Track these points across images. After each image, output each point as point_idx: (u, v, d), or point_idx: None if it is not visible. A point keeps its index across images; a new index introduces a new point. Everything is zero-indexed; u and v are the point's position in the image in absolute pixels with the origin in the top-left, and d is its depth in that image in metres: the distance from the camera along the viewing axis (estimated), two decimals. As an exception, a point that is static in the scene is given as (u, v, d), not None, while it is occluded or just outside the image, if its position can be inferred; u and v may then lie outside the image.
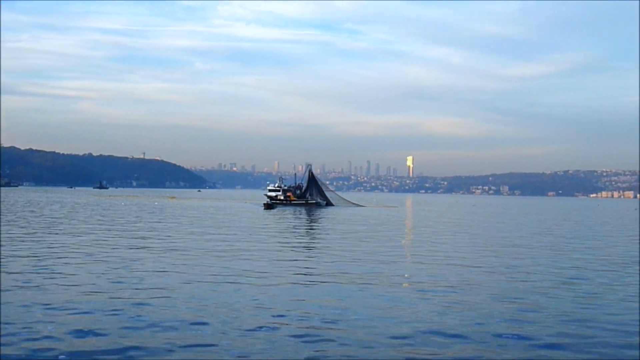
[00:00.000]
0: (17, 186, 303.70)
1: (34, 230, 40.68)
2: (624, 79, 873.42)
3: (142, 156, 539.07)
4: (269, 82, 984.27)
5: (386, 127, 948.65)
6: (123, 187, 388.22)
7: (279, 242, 36.71)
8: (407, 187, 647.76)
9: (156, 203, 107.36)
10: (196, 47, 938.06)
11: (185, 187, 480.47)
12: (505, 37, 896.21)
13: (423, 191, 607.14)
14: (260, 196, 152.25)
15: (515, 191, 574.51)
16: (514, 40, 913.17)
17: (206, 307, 16.10)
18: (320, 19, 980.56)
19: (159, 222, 53.75)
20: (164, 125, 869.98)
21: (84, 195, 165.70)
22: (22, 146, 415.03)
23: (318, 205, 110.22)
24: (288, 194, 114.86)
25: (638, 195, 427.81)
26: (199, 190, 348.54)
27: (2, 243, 31.05)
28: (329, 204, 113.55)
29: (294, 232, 46.65)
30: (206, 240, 36.53)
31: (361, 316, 15.43)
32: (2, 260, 24.47)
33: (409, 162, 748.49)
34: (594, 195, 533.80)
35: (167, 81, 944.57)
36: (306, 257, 29.41)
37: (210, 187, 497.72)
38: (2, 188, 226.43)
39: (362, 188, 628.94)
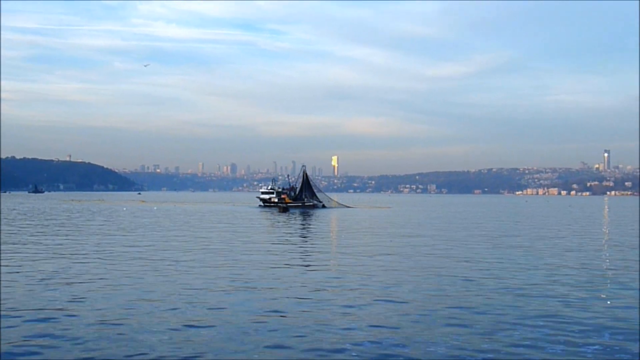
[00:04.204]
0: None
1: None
2: (541, 79, 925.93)
3: (67, 159, 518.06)
4: (190, 83, 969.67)
5: (309, 128, 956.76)
6: (51, 191, 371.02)
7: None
8: (335, 187, 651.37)
9: (155, 208, 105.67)
10: (115, 47, 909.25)
11: (114, 189, 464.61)
12: (426, 37, 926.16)
13: (352, 191, 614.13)
14: (241, 198, 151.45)
15: (442, 189, 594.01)
16: (434, 41, 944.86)
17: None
18: (241, 19, 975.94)
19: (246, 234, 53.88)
20: (83, 127, 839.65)
21: (42, 201, 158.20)
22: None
23: (315, 207, 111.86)
24: (283, 196, 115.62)
25: (562, 192, 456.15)
26: (139, 193, 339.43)
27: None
28: (324, 206, 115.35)
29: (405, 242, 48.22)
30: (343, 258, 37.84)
31: None
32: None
33: (334, 162, 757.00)
34: (520, 192, 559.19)
35: (85, 82, 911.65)
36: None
37: (138, 190, 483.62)
38: None
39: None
